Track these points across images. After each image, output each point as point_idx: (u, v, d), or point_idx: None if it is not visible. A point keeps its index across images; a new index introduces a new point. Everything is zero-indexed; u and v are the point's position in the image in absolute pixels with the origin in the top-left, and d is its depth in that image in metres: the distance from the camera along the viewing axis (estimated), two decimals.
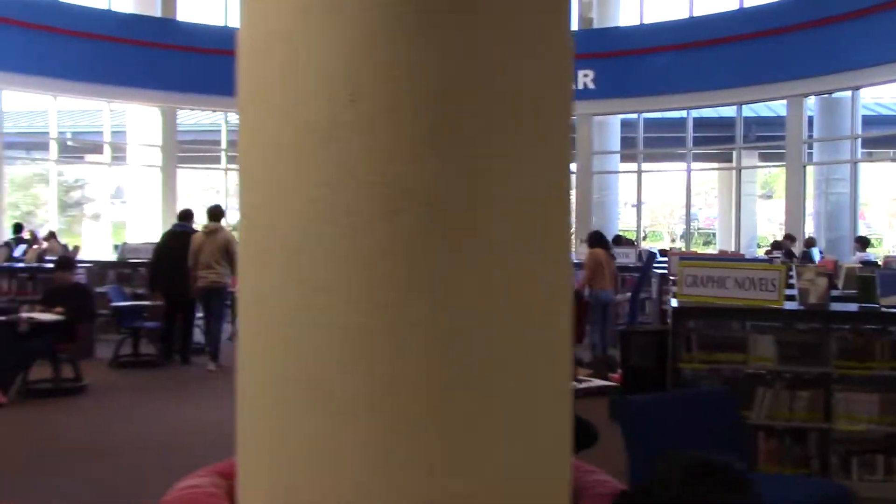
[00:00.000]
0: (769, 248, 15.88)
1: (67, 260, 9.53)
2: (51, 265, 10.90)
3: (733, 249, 20.35)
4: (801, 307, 5.39)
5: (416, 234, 1.76)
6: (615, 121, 20.00)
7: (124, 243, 13.53)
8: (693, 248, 21.76)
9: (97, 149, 24.42)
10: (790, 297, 5.57)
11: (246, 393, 1.88)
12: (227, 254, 10.10)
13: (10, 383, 8.20)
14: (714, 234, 32.57)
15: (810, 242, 14.37)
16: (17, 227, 14.94)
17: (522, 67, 1.82)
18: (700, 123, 19.74)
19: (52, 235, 15.26)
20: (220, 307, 10.46)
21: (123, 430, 7.43)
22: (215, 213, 10.69)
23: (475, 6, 1.76)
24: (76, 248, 14.06)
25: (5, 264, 11.41)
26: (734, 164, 20.04)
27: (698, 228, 38.99)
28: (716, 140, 21.38)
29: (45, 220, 22.80)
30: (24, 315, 8.72)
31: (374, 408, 1.64)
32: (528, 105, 1.83)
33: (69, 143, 24.96)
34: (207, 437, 7.21)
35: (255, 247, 1.89)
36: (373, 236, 1.74)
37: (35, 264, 11.52)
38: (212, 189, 28.05)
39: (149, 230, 18.55)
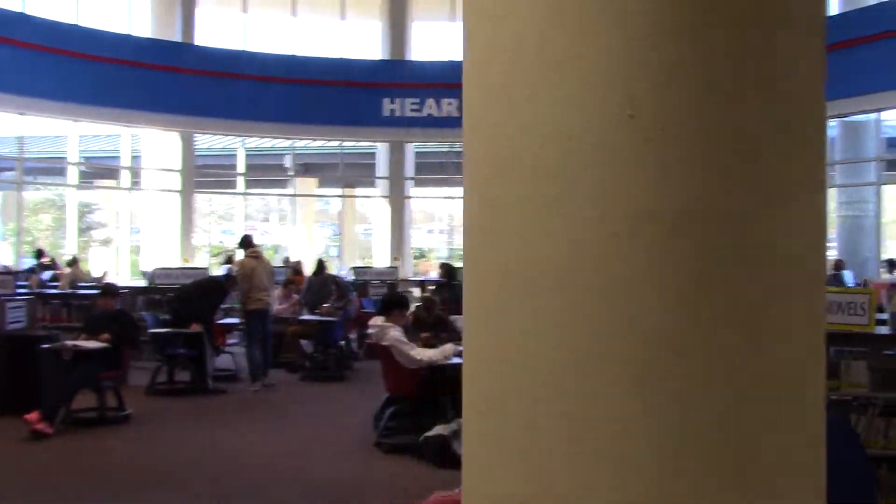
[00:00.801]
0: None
1: (111, 287, 9.41)
2: (84, 291, 10.79)
3: None
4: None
5: (699, 255, 1.71)
6: None
7: (156, 268, 13.39)
8: None
9: (110, 174, 24.39)
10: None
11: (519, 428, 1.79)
12: (272, 277, 11.16)
13: (56, 413, 8.05)
14: None
15: (840, 265, 14.32)
16: (39, 253, 14.82)
17: (795, 76, 1.78)
18: None
19: (74, 261, 15.10)
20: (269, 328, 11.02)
21: (174, 459, 7.32)
22: (251, 240, 11.05)
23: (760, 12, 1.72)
24: (105, 274, 13.94)
25: (37, 290, 11.27)
26: None
27: None
28: None
29: (58, 246, 22.68)
30: (70, 343, 8.58)
31: (659, 422, 1.61)
32: (797, 114, 1.80)
33: (82, 168, 24.88)
34: (256, 463, 7.16)
35: (497, 270, 1.82)
36: (650, 257, 1.69)
37: (69, 290, 11.40)
38: (215, 213, 28.03)
39: (166, 255, 18.45)
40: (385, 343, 7.49)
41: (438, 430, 7.10)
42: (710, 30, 1.72)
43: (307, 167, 24.61)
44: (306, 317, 12.33)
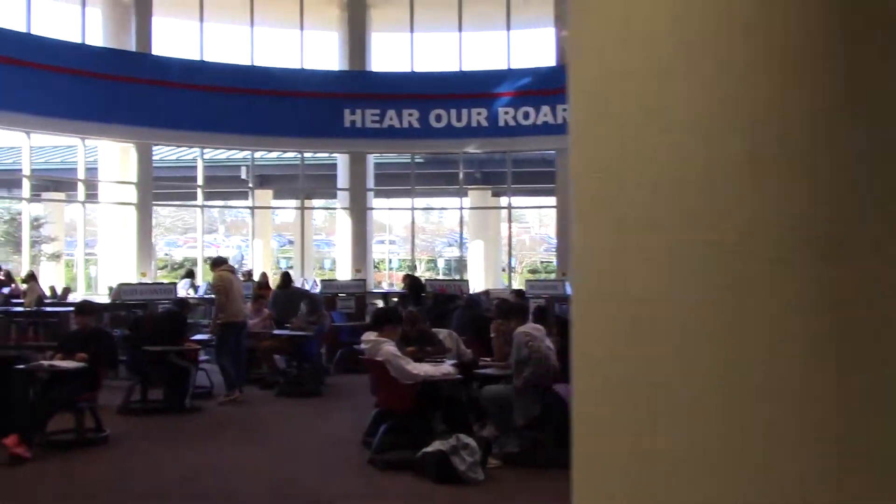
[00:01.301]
0: None
1: (89, 304, 9.11)
2: (51, 309, 10.45)
3: None
4: None
5: (852, 284, 1.69)
6: None
7: (120, 284, 13.03)
8: None
9: (64, 186, 23.78)
10: None
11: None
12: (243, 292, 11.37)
13: (33, 436, 7.75)
14: None
15: None
16: None
17: None
18: None
19: (31, 277, 14.62)
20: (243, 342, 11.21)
21: (159, 480, 7.10)
22: (223, 259, 11.30)
23: None
24: (66, 290, 13.53)
25: (1, 308, 10.87)
26: None
27: None
28: None
29: (5, 261, 22.00)
30: (46, 363, 8.28)
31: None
32: None
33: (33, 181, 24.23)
34: (242, 482, 7.00)
35: (612, 295, 1.78)
36: (790, 286, 1.68)
37: (34, 308, 11.02)
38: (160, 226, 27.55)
39: (123, 269, 18.02)
40: (379, 358, 7.37)
41: (437, 445, 6.99)
42: (860, 58, 1.71)
43: (264, 179, 24.31)
44: (280, 331, 12.11)
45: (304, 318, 12.38)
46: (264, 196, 24.67)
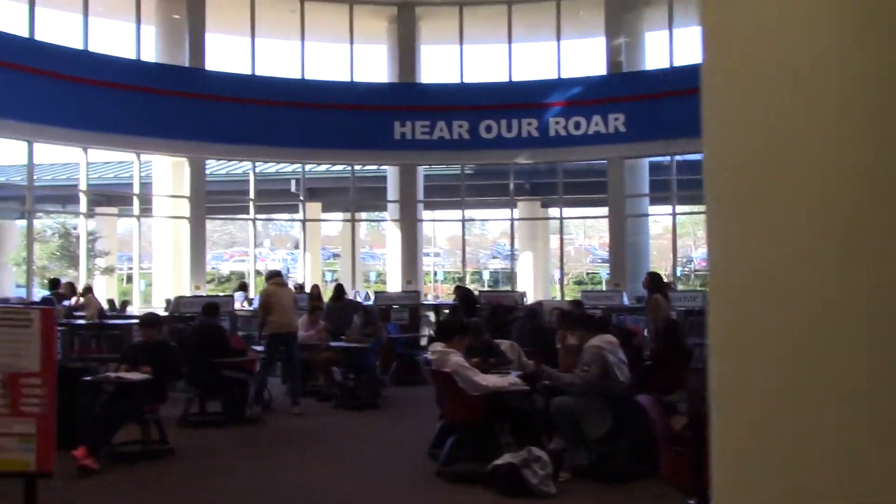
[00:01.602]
0: None
1: (153, 317, 9.14)
2: (114, 321, 10.51)
3: None
4: None
5: None
6: (644, 164, 19.91)
7: (178, 297, 13.10)
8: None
9: (110, 201, 24.10)
10: None
11: None
12: (294, 304, 11.62)
13: (101, 448, 7.76)
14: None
15: None
16: (54, 283, 14.48)
17: None
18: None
19: (88, 290, 14.79)
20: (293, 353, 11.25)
21: (228, 493, 7.05)
22: (276, 272, 11.95)
23: None
24: (125, 303, 13.63)
25: (65, 321, 10.96)
26: None
27: (695, 270, 39.60)
28: None
29: (62, 275, 22.28)
30: (113, 375, 8.30)
31: None
32: None
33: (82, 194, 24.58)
34: (310, 496, 6.92)
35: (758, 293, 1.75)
36: None
37: (97, 321, 11.10)
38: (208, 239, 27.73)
39: (176, 283, 18.16)
40: (447, 369, 7.26)
41: (507, 458, 6.86)
42: None
43: (313, 192, 24.38)
44: (337, 343, 12.06)
45: (360, 330, 12.31)
46: (313, 209, 24.72)
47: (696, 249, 41.67)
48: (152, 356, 8.44)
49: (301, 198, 20.57)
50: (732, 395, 1.82)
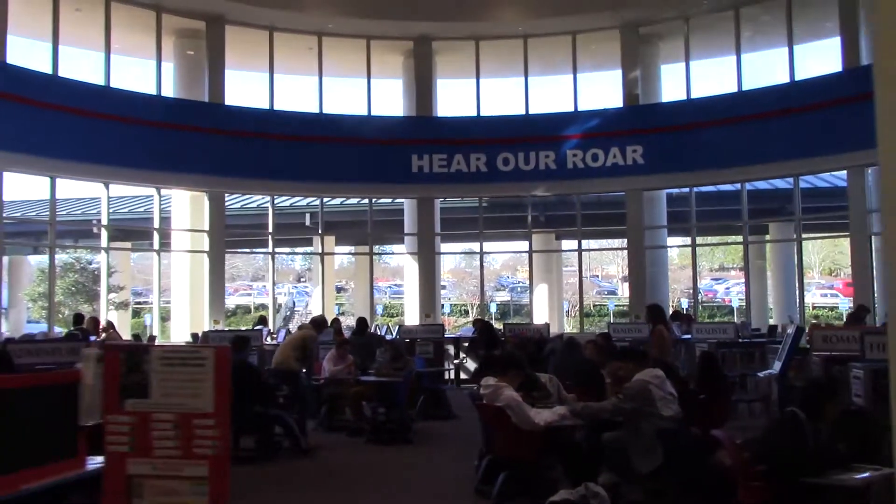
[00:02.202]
0: (846, 321, 15.63)
1: (243, 339, 9.14)
2: None
3: (776, 322, 20.12)
4: None
5: None
6: (662, 196, 19.93)
7: (206, 331, 13.03)
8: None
9: (125, 236, 24.09)
10: None
11: None
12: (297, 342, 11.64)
13: None
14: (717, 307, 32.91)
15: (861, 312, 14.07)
16: (78, 318, 14.43)
17: None
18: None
19: (110, 326, 14.76)
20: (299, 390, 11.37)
21: None
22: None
23: None
24: (152, 338, 13.56)
25: None
26: (790, 236, 19.89)
27: (701, 301, 39.58)
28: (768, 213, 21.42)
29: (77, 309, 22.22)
30: None
31: None
32: None
33: (95, 230, 24.62)
34: None
35: None
36: None
37: None
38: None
39: (195, 317, 18.11)
40: (499, 404, 7.20)
41: (563, 494, 6.78)
42: None
43: (327, 226, 24.39)
44: (367, 378, 11.98)
45: (389, 363, 12.23)
46: (327, 242, 24.71)
47: (700, 281, 41.66)
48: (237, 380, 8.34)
49: (320, 231, 20.55)
50: None
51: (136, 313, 29.69)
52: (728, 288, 45.51)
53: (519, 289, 47.92)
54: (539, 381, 8.91)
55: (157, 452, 2.18)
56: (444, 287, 42.27)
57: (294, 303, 41.99)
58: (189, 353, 2.18)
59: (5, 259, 22.59)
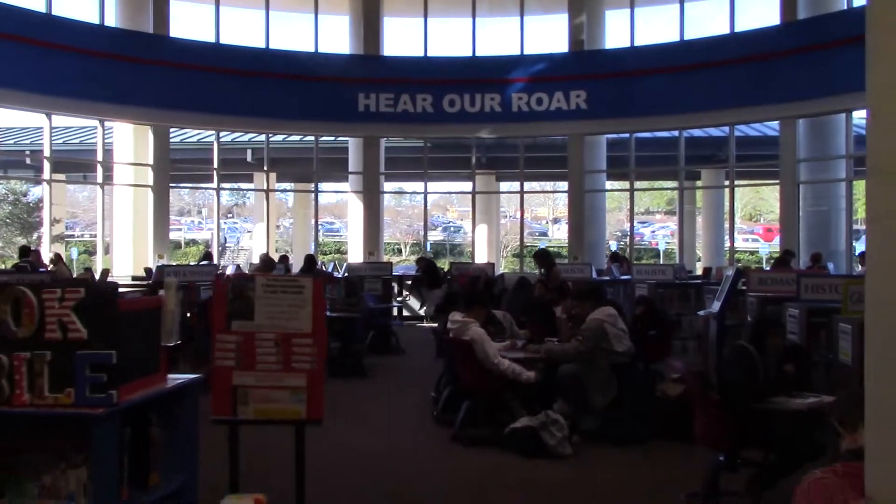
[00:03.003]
0: (773, 265, 16.47)
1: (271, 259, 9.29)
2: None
3: (705, 265, 20.98)
4: None
5: None
6: (602, 140, 20.45)
7: (164, 264, 13.11)
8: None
9: (62, 168, 23.62)
10: None
11: None
12: None
13: None
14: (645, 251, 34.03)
15: (817, 258, 14.94)
16: (25, 251, 14.33)
17: None
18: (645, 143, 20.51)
19: (58, 258, 14.69)
20: None
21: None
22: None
23: None
24: (105, 271, 13.57)
25: None
26: (722, 182, 20.67)
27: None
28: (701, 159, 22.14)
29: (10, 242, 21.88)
30: None
31: None
32: None
33: (28, 160, 24.12)
34: (333, 462, 7.12)
35: None
36: None
37: None
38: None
39: (138, 252, 18.08)
40: (466, 338, 7.62)
41: (525, 421, 7.28)
42: None
43: (272, 162, 24.33)
44: (329, 314, 12.27)
45: (343, 299, 12.55)
46: (271, 179, 24.68)
47: (627, 223, 42.77)
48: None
49: (265, 167, 20.55)
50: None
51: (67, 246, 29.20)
52: (654, 231, 46.64)
53: (451, 229, 48.29)
54: (495, 318, 9.39)
55: (259, 366, 2.49)
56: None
57: (226, 239, 41.68)
58: (289, 282, 2.48)
59: None
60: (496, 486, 6.46)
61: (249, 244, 37.54)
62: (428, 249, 40.14)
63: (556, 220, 51.40)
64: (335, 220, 43.64)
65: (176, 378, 2.65)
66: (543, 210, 55.64)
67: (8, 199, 24.39)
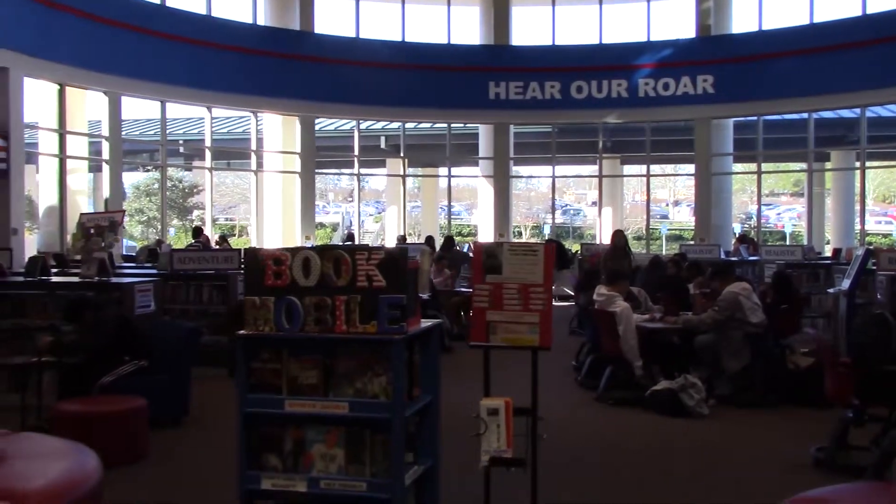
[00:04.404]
0: None
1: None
2: None
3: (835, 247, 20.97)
4: None
5: None
6: (730, 123, 20.70)
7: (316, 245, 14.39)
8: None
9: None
10: None
11: None
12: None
13: None
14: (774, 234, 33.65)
15: None
16: (198, 231, 15.87)
17: None
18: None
19: (224, 240, 16.18)
20: None
21: None
22: None
23: None
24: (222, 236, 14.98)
25: None
26: (853, 164, 20.63)
27: (753, 226, 40.21)
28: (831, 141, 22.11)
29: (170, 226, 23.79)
30: None
31: None
32: None
33: (181, 150, 26.03)
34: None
35: None
36: None
37: None
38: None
39: (287, 234, 19.53)
40: (612, 310, 8.44)
41: (664, 384, 8.05)
42: None
43: (397, 149, 25.54)
44: (465, 290, 13.27)
45: None
46: (398, 165, 25.89)
47: (751, 206, 42.21)
48: None
49: (402, 154, 21.74)
50: None
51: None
52: (779, 213, 45.87)
53: (571, 212, 48.72)
54: (632, 293, 10.15)
55: (505, 307, 3.40)
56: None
57: (350, 222, 43.47)
58: (527, 247, 3.36)
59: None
60: (640, 443, 7.24)
61: (374, 226, 39.02)
62: (546, 232, 40.85)
63: (676, 203, 51.19)
64: (455, 204, 44.86)
65: (425, 321, 3.59)
66: (663, 193, 55.34)
67: (166, 185, 26.51)
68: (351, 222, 44.73)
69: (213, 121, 18.96)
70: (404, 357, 3.29)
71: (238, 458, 3.38)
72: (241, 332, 3.37)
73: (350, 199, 51.38)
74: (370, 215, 45.22)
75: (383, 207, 41.33)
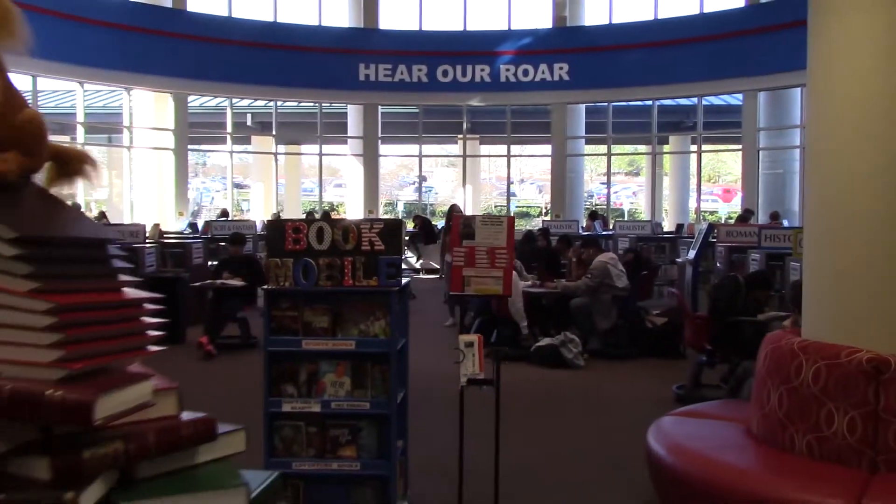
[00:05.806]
0: (736, 221, 18.63)
1: (240, 236, 11.06)
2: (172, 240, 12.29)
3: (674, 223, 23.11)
4: None
5: None
6: (582, 108, 22.40)
7: (208, 221, 14.86)
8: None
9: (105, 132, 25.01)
10: None
11: None
12: None
13: (216, 338, 9.80)
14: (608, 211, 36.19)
15: (775, 216, 17.12)
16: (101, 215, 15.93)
17: None
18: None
19: (102, 216, 16.32)
20: None
21: None
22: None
23: None
24: (156, 225, 15.25)
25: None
26: (689, 148, 22.82)
27: (595, 205, 42.86)
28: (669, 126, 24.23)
29: None
30: (219, 282, 10.26)
31: None
32: None
33: (80, 125, 25.33)
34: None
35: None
36: None
37: (156, 241, 12.87)
38: None
39: (160, 210, 19.71)
40: None
41: (547, 340, 9.31)
42: None
43: (265, 126, 25.89)
44: None
45: None
46: (266, 142, 26.25)
47: (591, 185, 44.63)
48: (243, 267, 10.42)
49: (273, 132, 22.21)
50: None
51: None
52: (616, 192, 48.66)
53: (424, 189, 49.81)
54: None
55: (477, 265, 4.37)
56: (339, 185, 43.77)
57: (202, 197, 43.04)
58: (493, 218, 4.34)
59: None
60: (527, 391, 8.43)
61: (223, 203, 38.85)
62: (400, 209, 41.87)
63: (521, 181, 53.47)
64: (315, 181, 45.11)
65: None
66: (513, 172, 57.32)
67: None
68: (201, 197, 44.27)
69: (86, 94, 18.88)
70: (399, 305, 4.24)
71: (264, 386, 4.24)
72: (266, 286, 4.22)
73: (195, 174, 50.69)
74: (217, 191, 44.84)
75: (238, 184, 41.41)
